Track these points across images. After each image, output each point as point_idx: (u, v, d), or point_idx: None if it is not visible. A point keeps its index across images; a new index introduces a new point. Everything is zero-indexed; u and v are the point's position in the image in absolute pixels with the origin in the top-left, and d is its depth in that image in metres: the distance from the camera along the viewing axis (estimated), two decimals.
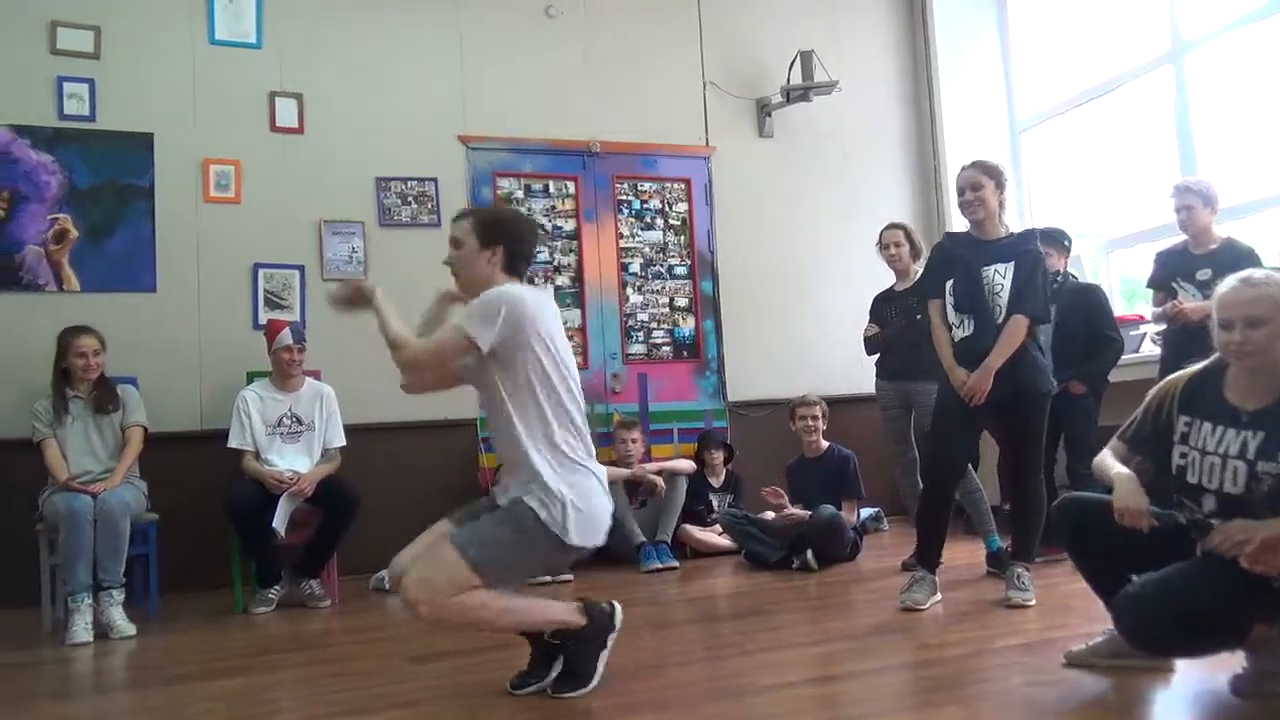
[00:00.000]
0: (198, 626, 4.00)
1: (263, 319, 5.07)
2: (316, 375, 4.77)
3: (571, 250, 5.83)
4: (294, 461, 4.44)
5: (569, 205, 5.85)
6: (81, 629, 3.73)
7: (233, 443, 4.44)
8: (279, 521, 4.17)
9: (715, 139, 6.15)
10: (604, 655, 2.57)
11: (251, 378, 4.80)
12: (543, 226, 5.73)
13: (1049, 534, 3.31)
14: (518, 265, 2.66)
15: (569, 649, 2.56)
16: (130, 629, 3.82)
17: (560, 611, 2.57)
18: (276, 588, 4.35)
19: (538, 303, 2.55)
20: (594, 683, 2.53)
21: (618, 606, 2.64)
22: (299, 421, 4.54)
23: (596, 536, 2.51)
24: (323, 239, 5.30)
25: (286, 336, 4.53)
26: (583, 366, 5.71)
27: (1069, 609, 3.31)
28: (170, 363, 4.91)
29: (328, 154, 5.34)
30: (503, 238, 2.63)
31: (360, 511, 4.39)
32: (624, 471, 5.09)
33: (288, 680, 3.01)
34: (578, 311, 5.77)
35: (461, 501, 5.22)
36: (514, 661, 2.68)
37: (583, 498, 2.45)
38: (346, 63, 5.43)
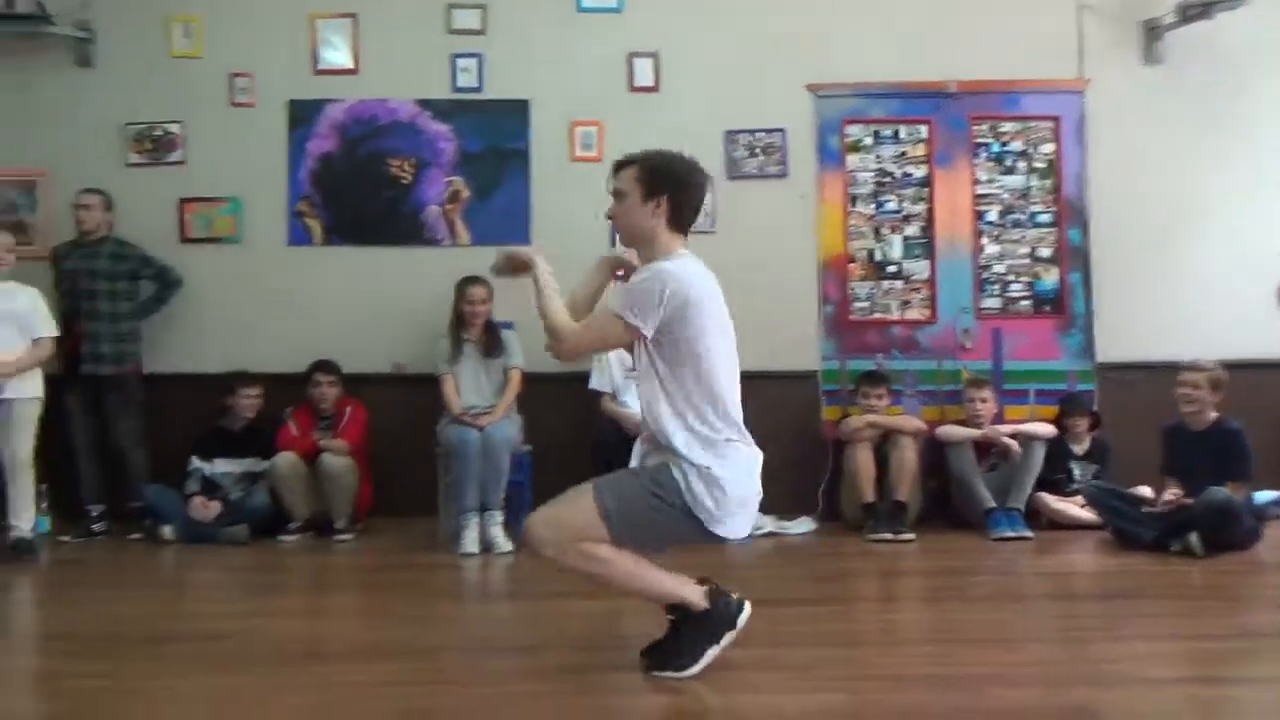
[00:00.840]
0: None
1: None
2: None
3: (921, 199, 5.56)
4: None
5: (920, 151, 5.57)
6: (470, 541, 4.28)
7: (593, 385, 4.82)
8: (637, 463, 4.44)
9: (1090, 70, 5.53)
10: (713, 651, 2.39)
11: None
12: (890, 174, 5.54)
13: None
14: (684, 218, 2.45)
15: (682, 628, 2.41)
16: (508, 546, 4.30)
17: (687, 592, 2.42)
18: None
19: (703, 281, 2.40)
20: (693, 671, 2.37)
21: (747, 606, 2.45)
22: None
23: (737, 522, 2.37)
24: None
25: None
26: (929, 320, 5.47)
27: None
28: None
29: (680, 110, 5.51)
30: (668, 188, 2.42)
31: None
32: (972, 432, 4.83)
33: (637, 608, 3.21)
34: (926, 263, 5.52)
35: (797, 452, 5.27)
36: (858, 614, 2.66)
37: (730, 481, 2.32)
38: (699, 16, 5.55)
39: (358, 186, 5.47)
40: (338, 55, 5.50)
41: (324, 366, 4.90)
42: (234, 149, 5.45)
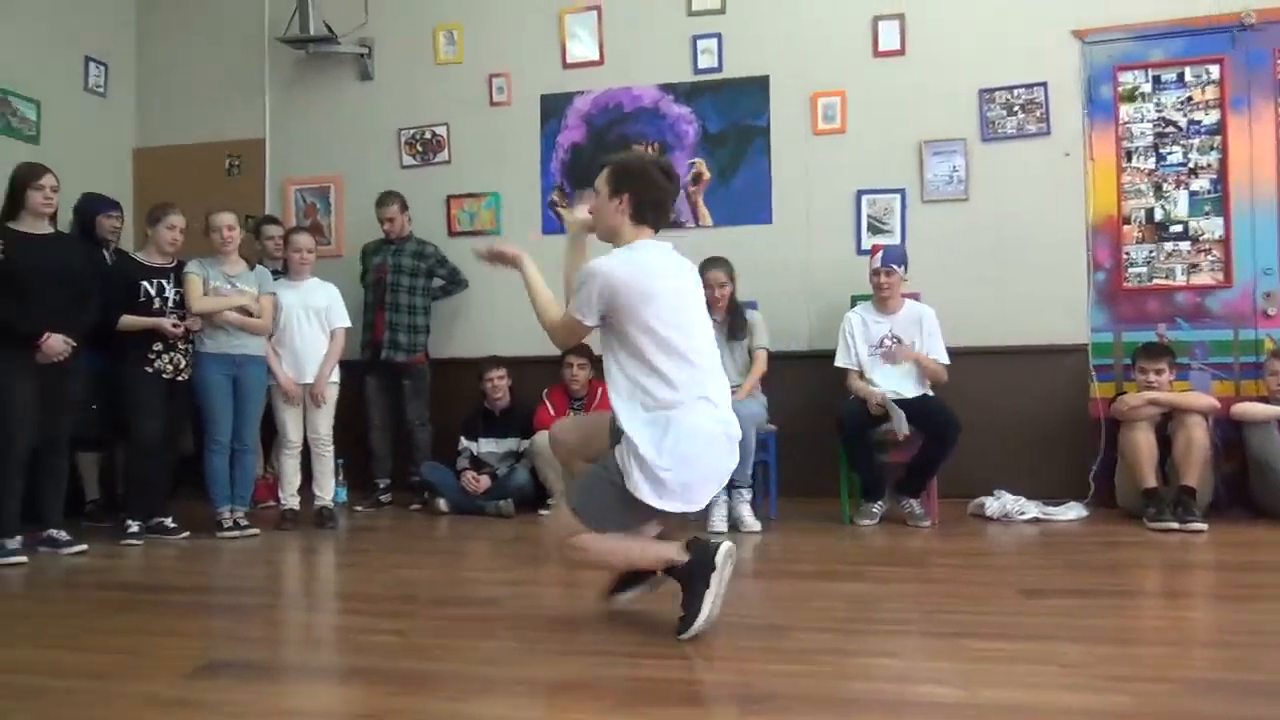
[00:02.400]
0: (811, 530, 4.36)
1: (865, 244, 5.25)
2: (916, 297, 4.80)
3: (1212, 148, 4.95)
4: (897, 383, 4.54)
5: (1210, 94, 4.96)
6: (718, 519, 4.33)
7: (839, 362, 4.71)
8: (903, 427, 4.31)
9: None
10: (709, 595, 2.47)
11: (854, 301, 5.01)
12: (1173, 124, 4.96)
13: None
14: (645, 214, 2.65)
15: (684, 588, 2.52)
16: (756, 525, 4.32)
17: (664, 549, 2.57)
18: (880, 503, 4.54)
19: (631, 266, 2.55)
20: (699, 623, 2.46)
21: (724, 546, 2.51)
22: (898, 343, 4.62)
23: (665, 491, 2.46)
24: (923, 160, 5.26)
25: (876, 261, 4.63)
26: (1223, 285, 4.89)
27: None
28: (783, 288, 5.34)
29: (929, 72, 5.25)
30: (629, 186, 2.62)
31: (960, 436, 4.35)
32: (1275, 410, 4.27)
33: (897, 593, 3.12)
34: (1218, 220, 4.92)
35: (1064, 431, 4.90)
36: (1141, 610, 2.43)
37: (650, 448, 2.45)
38: None
39: None
40: (584, 48, 5.71)
41: (576, 350, 5.13)
42: (492, 146, 5.82)
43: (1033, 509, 4.50)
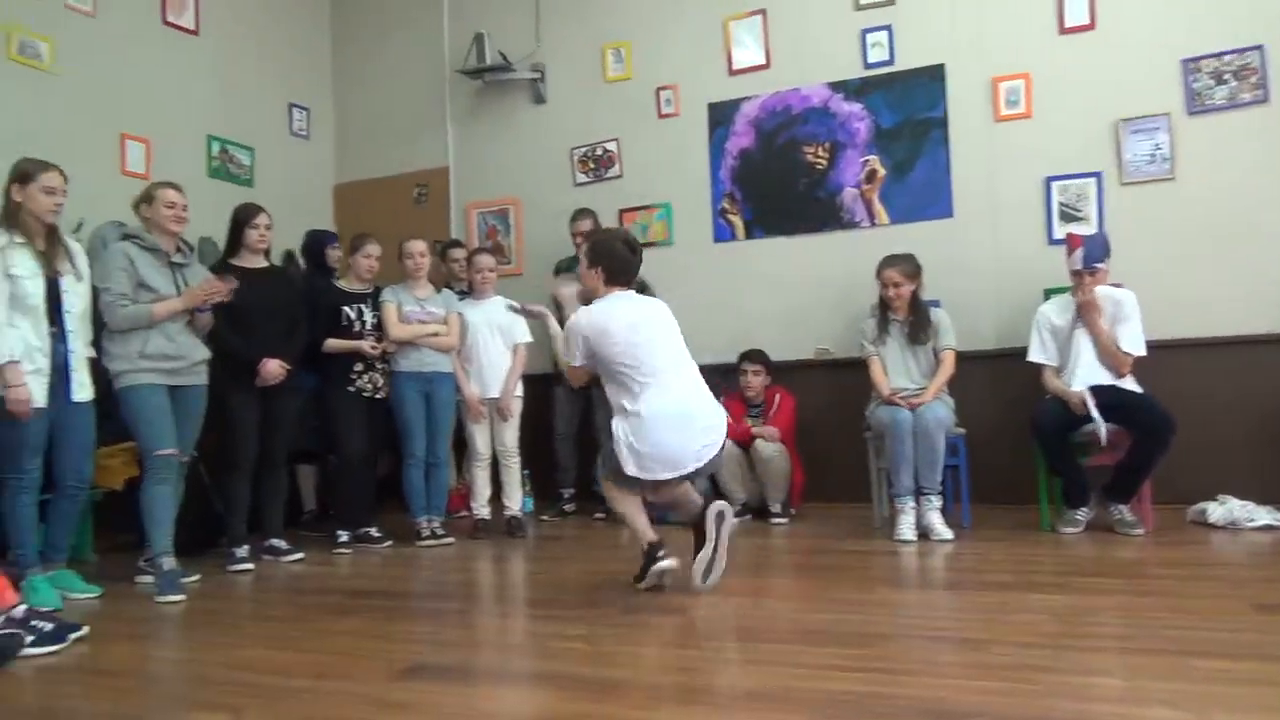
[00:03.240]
0: (1007, 538, 4.12)
1: (1058, 233, 4.93)
2: (1118, 287, 4.45)
3: None
4: (1098, 374, 4.21)
5: None
6: (907, 528, 4.17)
7: (1032, 356, 4.43)
8: (1100, 430, 4.03)
9: None
10: (702, 552, 3.32)
11: (1049, 294, 4.71)
12: None
13: None
14: (617, 279, 3.52)
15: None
16: (948, 533, 4.12)
17: (645, 528, 3.40)
18: (1084, 509, 4.24)
19: (593, 320, 3.43)
20: (697, 578, 3.29)
21: (713, 508, 3.33)
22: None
23: (635, 464, 3.31)
24: (1120, 140, 4.89)
25: (1077, 259, 4.29)
26: None
27: None
28: (968, 284, 5.10)
29: (1124, 45, 4.88)
30: (600, 260, 3.51)
31: (1175, 437, 4.00)
32: None
33: (1109, 605, 2.90)
34: None
35: None
36: None
37: (622, 436, 3.34)
38: None
39: (775, 178, 5.61)
40: (750, 53, 5.68)
41: (750, 356, 5.09)
42: (663, 158, 5.88)
43: (1264, 515, 4.07)
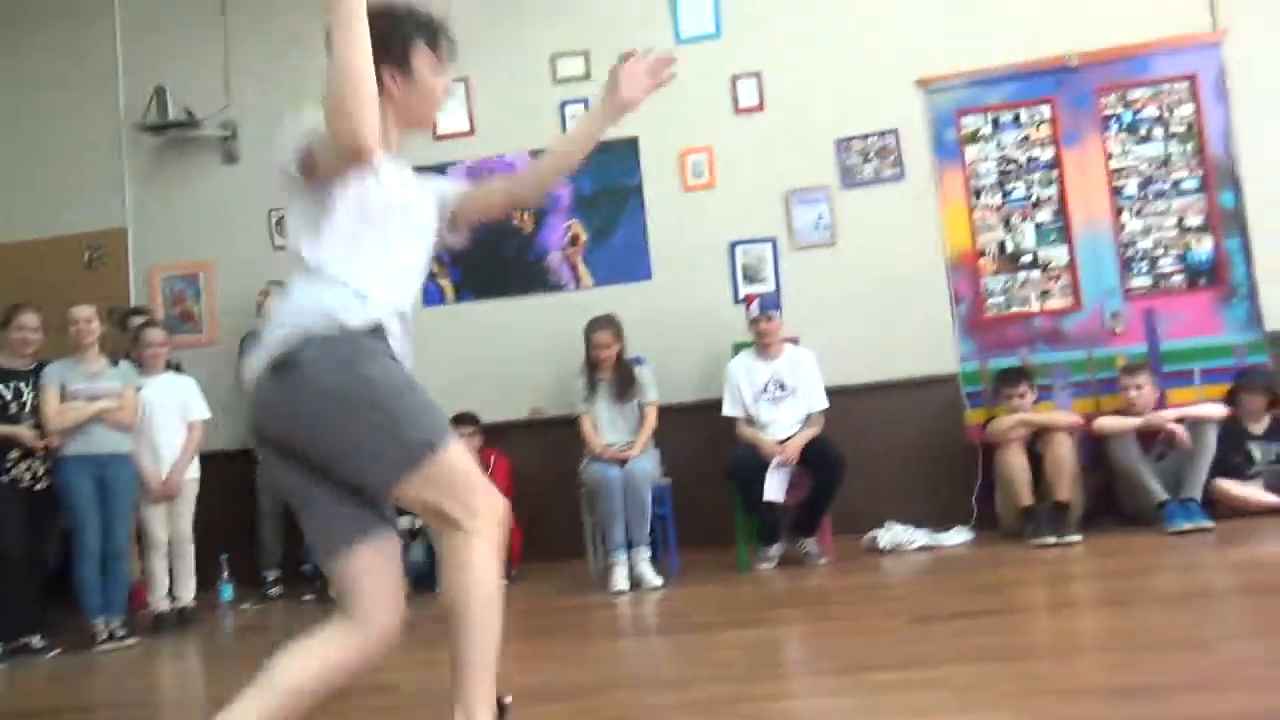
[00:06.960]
0: (711, 580, 4.38)
1: (742, 293, 5.39)
2: (795, 341, 4.95)
3: (1051, 181, 5.30)
4: (786, 428, 4.65)
5: (1044, 132, 5.32)
6: (620, 579, 4.31)
7: (727, 411, 4.80)
8: (775, 493, 4.42)
9: (1225, 19, 5.15)
10: None
11: (737, 349, 5.12)
12: (1014, 161, 5.31)
13: None
14: None
15: None
16: (657, 580, 4.31)
17: None
18: (777, 545, 4.61)
19: None
20: None
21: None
22: (782, 387, 4.75)
23: None
24: (790, 209, 5.47)
25: (754, 309, 4.78)
26: (1073, 308, 5.20)
27: None
28: (666, 341, 5.42)
29: (788, 125, 5.48)
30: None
31: (846, 472, 4.47)
32: (1133, 421, 4.53)
33: (795, 634, 3.17)
34: (1063, 248, 5.25)
35: (944, 459, 5.08)
36: (1025, 625, 2.53)
37: None
38: (797, 32, 5.50)
39: (482, 241, 5.66)
40: (455, 119, 5.74)
41: (463, 419, 5.06)
42: None
43: (921, 537, 4.64)
